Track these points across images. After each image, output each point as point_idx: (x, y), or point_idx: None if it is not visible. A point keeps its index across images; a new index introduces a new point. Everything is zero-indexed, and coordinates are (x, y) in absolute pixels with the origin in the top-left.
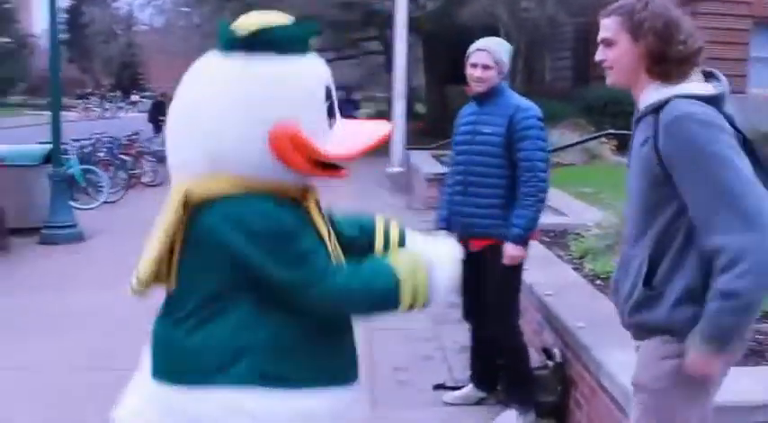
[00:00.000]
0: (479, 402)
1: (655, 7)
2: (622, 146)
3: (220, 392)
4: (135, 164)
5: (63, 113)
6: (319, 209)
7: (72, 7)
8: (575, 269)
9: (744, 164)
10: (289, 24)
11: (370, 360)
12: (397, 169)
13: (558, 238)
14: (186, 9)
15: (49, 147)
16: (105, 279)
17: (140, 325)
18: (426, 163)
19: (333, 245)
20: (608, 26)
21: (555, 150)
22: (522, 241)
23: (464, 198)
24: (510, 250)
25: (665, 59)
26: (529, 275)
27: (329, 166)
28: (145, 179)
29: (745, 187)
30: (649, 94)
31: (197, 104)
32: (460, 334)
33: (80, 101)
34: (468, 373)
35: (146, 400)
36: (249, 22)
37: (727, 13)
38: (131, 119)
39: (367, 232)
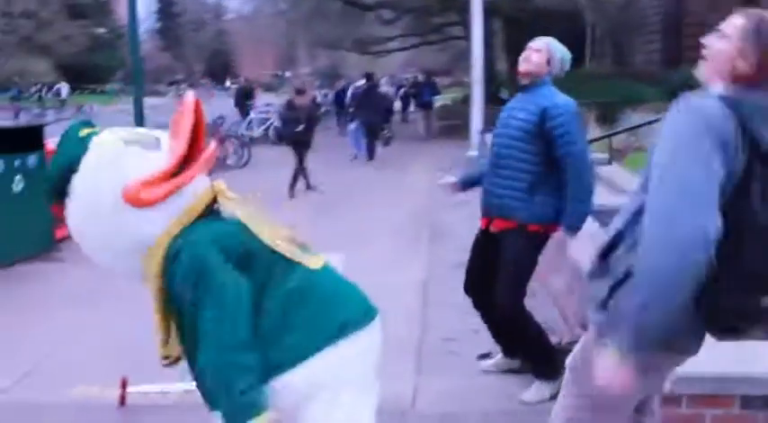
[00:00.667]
0: (518, 371)
1: None
2: None
3: None
4: (219, 147)
5: (155, 100)
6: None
7: None
8: None
9: (708, 173)
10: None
11: (422, 331)
12: (473, 153)
13: (604, 219)
14: None
15: None
16: None
17: None
18: None
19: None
20: (733, 23)
21: (594, 141)
22: (570, 230)
23: (493, 179)
24: (561, 237)
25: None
26: (580, 254)
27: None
28: (229, 161)
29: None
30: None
31: None
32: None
33: (171, 87)
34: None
35: None
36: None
37: None
38: (222, 104)
39: None
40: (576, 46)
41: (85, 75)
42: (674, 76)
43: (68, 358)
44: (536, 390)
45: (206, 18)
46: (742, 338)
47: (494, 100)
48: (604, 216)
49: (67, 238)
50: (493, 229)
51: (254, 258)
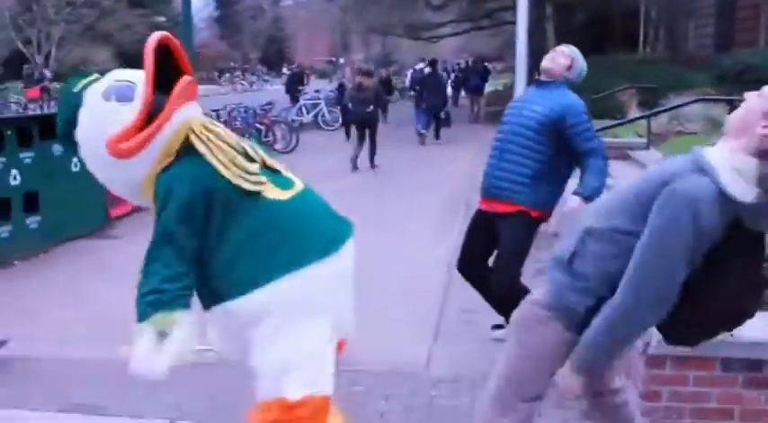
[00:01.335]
0: None
1: None
2: None
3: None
4: (268, 132)
5: (210, 87)
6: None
7: None
8: None
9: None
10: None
11: (443, 303)
12: None
13: None
14: None
15: None
16: None
17: None
18: None
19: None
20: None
21: (603, 129)
22: (586, 200)
23: (498, 162)
24: (573, 203)
25: None
26: None
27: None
28: (278, 146)
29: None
30: None
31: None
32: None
33: (227, 75)
34: None
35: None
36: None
37: None
38: (275, 91)
39: None
40: (629, 32)
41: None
42: (723, 60)
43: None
44: None
45: (263, 4)
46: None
47: None
48: None
49: (122, 216)
50: (494, 210)
51: (223, 195)
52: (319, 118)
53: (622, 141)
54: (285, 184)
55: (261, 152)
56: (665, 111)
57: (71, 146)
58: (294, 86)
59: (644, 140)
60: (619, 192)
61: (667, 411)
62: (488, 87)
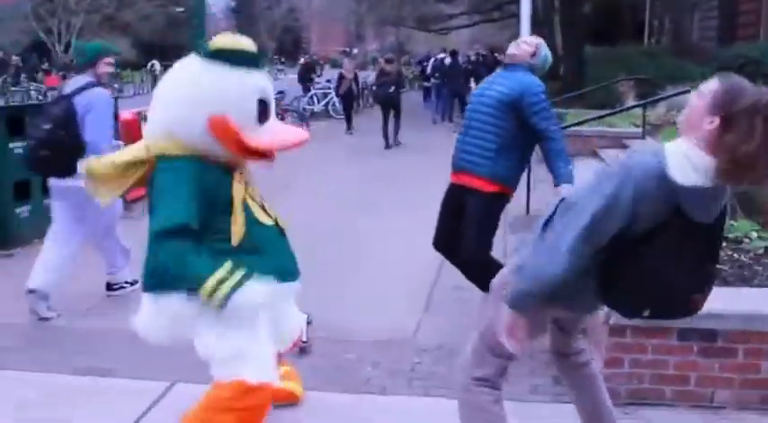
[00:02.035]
0: None
1: None
2: None
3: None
4: (280, 120)
5: None
6: (245, 183)
7: None
8: None
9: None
10: (244, 48)
11: (435, 280)
12: None
13: None
14: None
15: None
16: None
17: None
18: None
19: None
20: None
21: (598, 118)
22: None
23: (464, 137)
24: (566, 191)
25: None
26: None
27: (257, 154)
28: None
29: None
30: None
31: (165, 89)
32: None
33: None
34: None
35: None
36: (219, 41)
37: None
38: (290, 80)
39: None
40: (635, 24)
41: (162, 53)
42: (724, 53)
43: (124, 297)
44: None
45: None
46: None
47: (553, 77)
48: None
49: (137, 199)
50: (462, 183)
51: (218, 197)
52: (329, 107)
53: (618, 131)
54: (266, 213)
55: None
56: (654, 101)
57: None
58: (306, 76)
59: (639, 130)
60: None
61: (628, 377)
62: None
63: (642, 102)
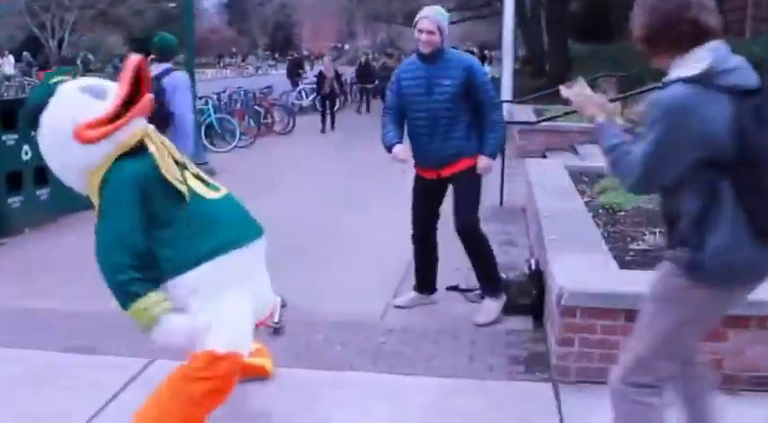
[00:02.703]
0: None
1: None
2: None
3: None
4: (267, 114)
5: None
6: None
7: None
8: (587, 202)
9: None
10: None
11: (407, 269)
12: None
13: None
14: None
15: None
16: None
17: None
18: (524, 115)
19: (187, 174)
20: None
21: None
22: (494, 156)
23: (431, 138)
24: (486, 161)
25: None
26: (542, 203)
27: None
28: (276, 128)
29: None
30: None
31: None
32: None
33: (226, 59)
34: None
35: None
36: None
37: None
38: (281, 76)
39: None
40: (624, 22)
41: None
42: None
43: None
44: (486, 312)
45: None
46: None
47: (539, 74)
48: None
49: None
50: (444, 175)
51: (161, 189)
52: (317, 102)
53: None
54: (214, 188)
55: (192, 166)
56: (628, 96)
57: (30, 128)
58: (294, 71)
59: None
60: None
61: (579, 356)
62: (488, 74)
63: (616, 97)
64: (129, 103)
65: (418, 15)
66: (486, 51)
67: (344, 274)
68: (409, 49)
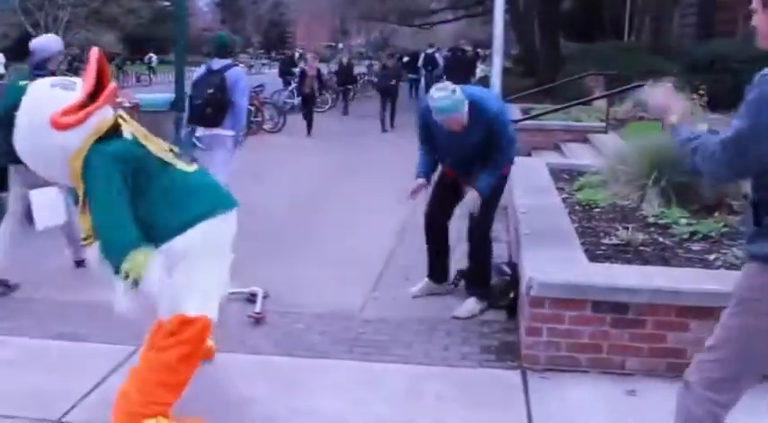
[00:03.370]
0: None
1: None
2: (715, 103)
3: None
4: (257, 113)
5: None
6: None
7: None
8: (565, 198)
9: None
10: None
11: (387, 260)
12: None
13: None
14: None
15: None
16: None
17: None
18: (512, 114)
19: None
20: None
21: (556, 110)
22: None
23: (455, 165)
24: (475, 195)
25: None
26: (520, 200)
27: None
28: (266, 126)
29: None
30: None
31: None
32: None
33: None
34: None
35: None
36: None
37: None
38: (274, 74)
39: None
40: (615, 21)
41: (148, 46)
42: (698, 50)
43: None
44: (469, 307)
45: None
46: None
47: (530, 73)
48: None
49: None
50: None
51: (143, 164)
52: (299, 102)
53: (583, 125)
54: (188, 164)
55: (166, 144)
56: (612, 94)
57: (6, 129)
58: (286, 70)
59: (603, 124)
60: None
61: (547, 345)
62: (479, 73)
63: (600, 95)
64: (93, 94)
65: (437, 117)
66: (479, 50)
67: (326, 268)
68: (399, 46)
